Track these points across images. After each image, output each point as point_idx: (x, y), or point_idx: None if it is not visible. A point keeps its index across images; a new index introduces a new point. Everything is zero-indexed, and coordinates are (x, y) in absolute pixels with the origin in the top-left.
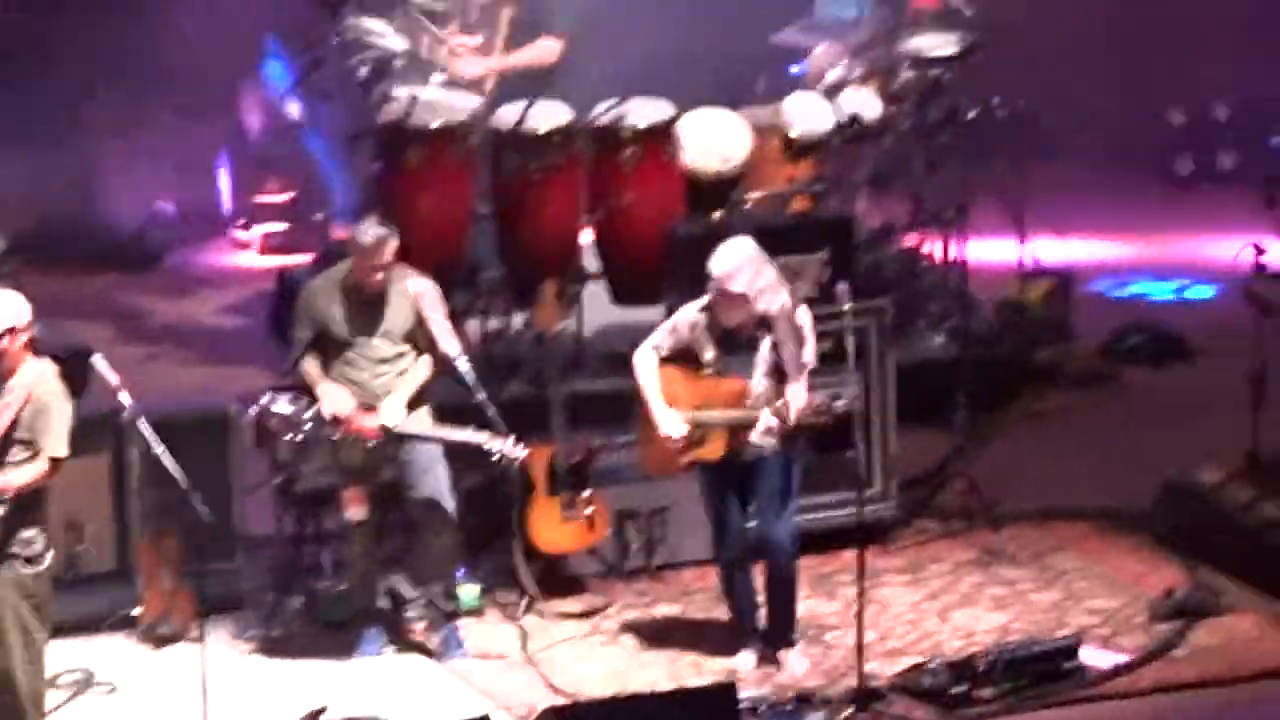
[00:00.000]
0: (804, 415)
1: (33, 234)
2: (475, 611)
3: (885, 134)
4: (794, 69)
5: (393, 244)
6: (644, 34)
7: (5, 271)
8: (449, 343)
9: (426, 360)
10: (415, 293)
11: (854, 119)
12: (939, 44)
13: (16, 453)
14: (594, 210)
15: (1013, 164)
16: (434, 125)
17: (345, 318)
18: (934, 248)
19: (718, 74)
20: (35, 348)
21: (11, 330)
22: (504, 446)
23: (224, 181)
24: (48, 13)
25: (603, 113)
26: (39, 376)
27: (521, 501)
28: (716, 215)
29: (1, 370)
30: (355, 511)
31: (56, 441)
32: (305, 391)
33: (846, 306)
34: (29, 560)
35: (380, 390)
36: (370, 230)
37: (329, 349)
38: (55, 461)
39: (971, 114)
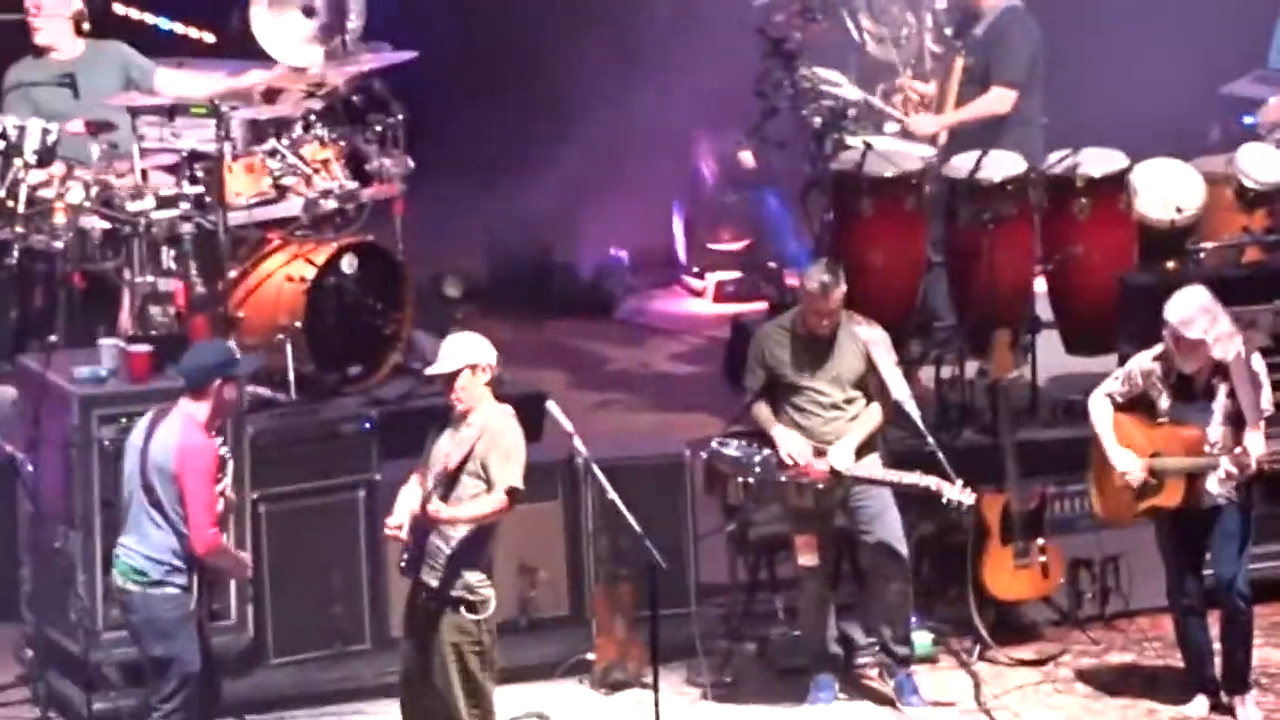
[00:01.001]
0: (1264, 463)
1: (490, 279)
2: (928, 659)
3: None
4: (1247, 119)
5: (839, 290)
6: (1096, 84)
7: (460, 317)
8: (899, 389)
9: (876, 407)
10: (865, 339)
11: None
12: None
13: (469, 486)
14: (1047, 259)
15: None
16: (888, 174)
17: (795, 363)
18: None
19: (1170, 125)
20: (496, 392)
21: (474, 366)
22: (954, 492)
23: (678, 229)
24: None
25: (1056, 163)
26: (496, 415)
27: (976, 549)
28: (1170, 265)
29: (459, 410)
30: (807, 557)
31: (510, 473)
32: (757, 437)
33: None
34: (471, 606)
35: (830, 436)
36: (817, 276)
37: (780, 395)
38: (511, 495)
39: None
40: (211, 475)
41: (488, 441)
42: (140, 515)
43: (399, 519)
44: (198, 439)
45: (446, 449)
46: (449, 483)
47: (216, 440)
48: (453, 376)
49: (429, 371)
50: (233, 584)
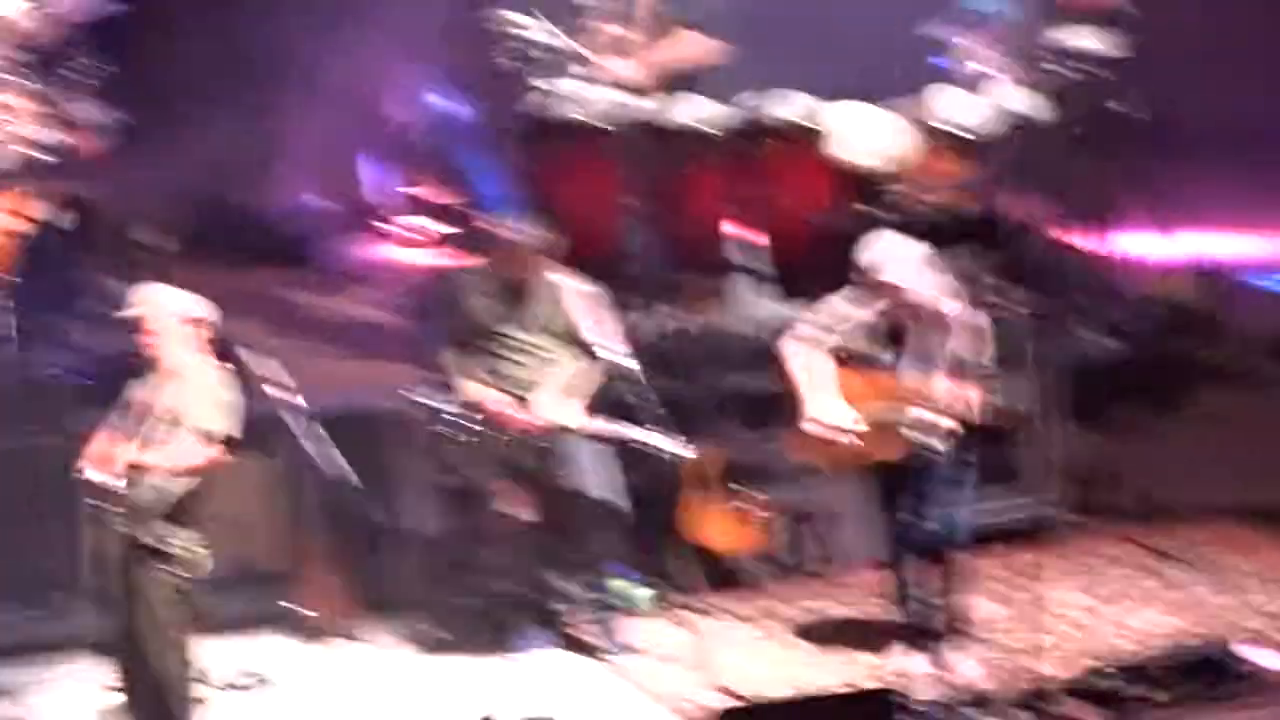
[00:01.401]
0: (973, 413)
1: (185, 228)
2: (645, 612)
3: (1031, 129)
4: (937, 61)
5: (539, 238)
6: (783, 27)
7: (156, 266)
8: (602, 336)
9: (581, 356)
10: (563, 287)
11: (1001, 113)
12: (1085, 38)
13: (167, 435)
14: (743, 204)
15: (1158, 159)
16: (580, 119)
17: (492, 311)
18: (1083, 243)
19: (863, 67)
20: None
21: (171, 313)
22: (667, 443)
23: (372, 175)
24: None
25: (749, 107)
26: (193, 362)
27: (690, 500)
28: (863, 209)
29: (155, 354)
30: (517, 508)
31: (211, 419)
32: (458, 387)
33: (1005, 303)
34: (180, 561)
35: (528, 384)
36: (515, 225)
37: (476, 343)
38: (212, 440)
39: (1118, 108)
40: None
41: (187, 389)
42: None
43: (93, 464)
44: None
45: (143, 397)
46: (148, 432)
47: None
48: (142, 322)
49: (121, 314)
50: None
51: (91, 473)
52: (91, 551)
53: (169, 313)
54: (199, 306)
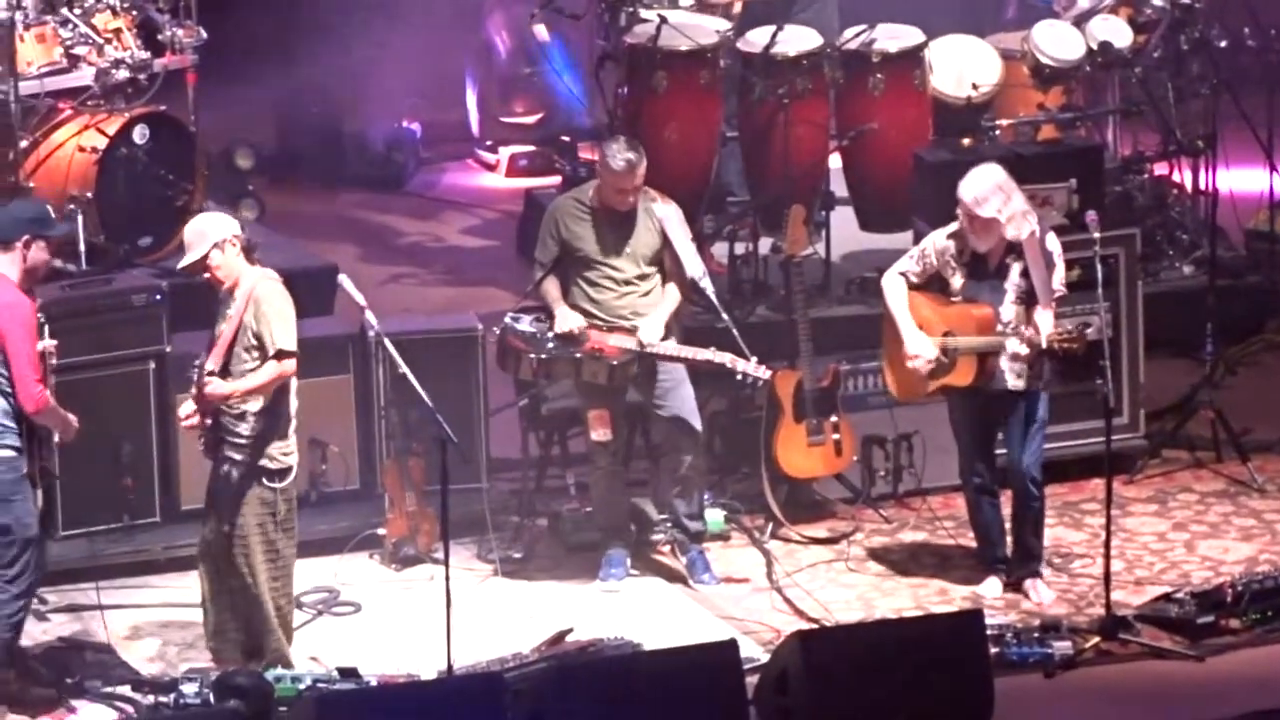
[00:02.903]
0: (1053, 341)
1: (281, 151)
2: (721, 536)
3: (1135, 62)
4: None
5: (642, 167)
6: None
7: (250, 190)
8: (694, 265)
9: (673, 285)
10: (660, 215)
11: (1103, 47)
12: None
13: (247, 360)
14: (842, 135)
15: (1263, 92)
16: (682, 48)
17: (592, 238)
18: (1183, 177)
19: (965, 1)
20: (252, 257)
21: (219, 244)
22: (749, 368)
23: (471, 102)
24: None
25: (851, 38)
26: (259, 283)
27: (768, 426)
28: (965, 142)
29: (225, 289)
30: (600, 433)
31: (280, 337)
32: (549, 313)
33: (1095, 235)
34: (273, 475)
35: (624, 311)
36: (621, 154)
37: (573, 270)
38: (284, 357)
39: (1222, 42)
40: (33, 332)
41: (254, 311)
42: None
43: (189, 408)
44: (13, 296)
45: (220, 328)
46: (225, 359)
47: (35, 302)
48: (202, 262)
49: (180, 266)
50: None
51: (187, 416)
52: (172, 475)
53: (226, 240)
54: (236, 225)
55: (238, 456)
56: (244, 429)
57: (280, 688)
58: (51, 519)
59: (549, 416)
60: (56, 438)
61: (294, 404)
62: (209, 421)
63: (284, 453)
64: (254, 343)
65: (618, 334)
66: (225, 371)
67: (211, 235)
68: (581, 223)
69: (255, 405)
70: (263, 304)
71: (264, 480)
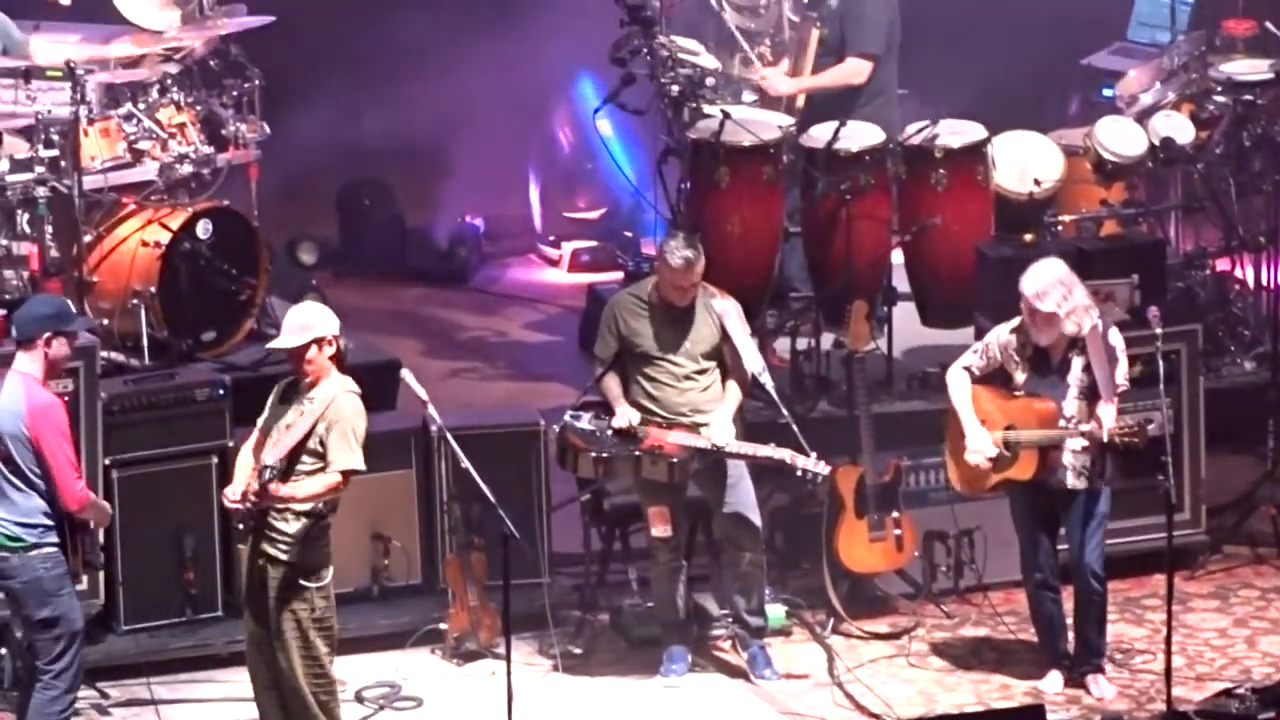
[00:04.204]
0: (1115, 436)
1: (344, 246)
2: (782, 631)
3: (1197, 158)
4: (1106, 92)
5: (700, 264)
6: (952, 57)
7: (314, 284)
8: (754, 360)
9: (734, 382)
10: (720, 311)
11: (1166, 143)
12: (1252, 69)
13: (308, 463)
14: (904, 230)
15: None
16: (745, 143)
17: (650, 334)
18: (1245, 272)
19: (1028, 97)
20: (341, 362)
21: (319, 341)
22: (809, 464)
23: (534, 197)
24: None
25: (914, 133)
26: (340, 391)
27: (830, 521)
28: (1027, 237)
29: (305, 382)
30: (660, 529)
31: (348, 455)
32: (609, 409)
33: (1157, 330)
34: (309, 574)
35: (684, 407)
36: (679, 251)
37: (633, 365)
38: (345, 475)
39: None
40: (66, 430)
41: (329, 420)
42: (2, 484)
43: (237, 489)
44: (44, 397)
45: (289, 421)
46: (289, 457)
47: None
48: (300, 350)
49: (271, 346)
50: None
51: (235, 499)
52: (234, 568)
53: (327, 338)
54: (338, 325)
55: (274, 552)
56: (288, 528)
57: None
58: (114, 613)
59: (610, 511)
60: (96, 528)
61: (332, 513)
62: (254, 509)
63: (318, 552)
64: (319, 449)
65: (677, 431)
66: (285, 470)
67: (316, 329)
68: (640, 318)
69: (304, 506)
70: (339, 417)
71: (300, 580)
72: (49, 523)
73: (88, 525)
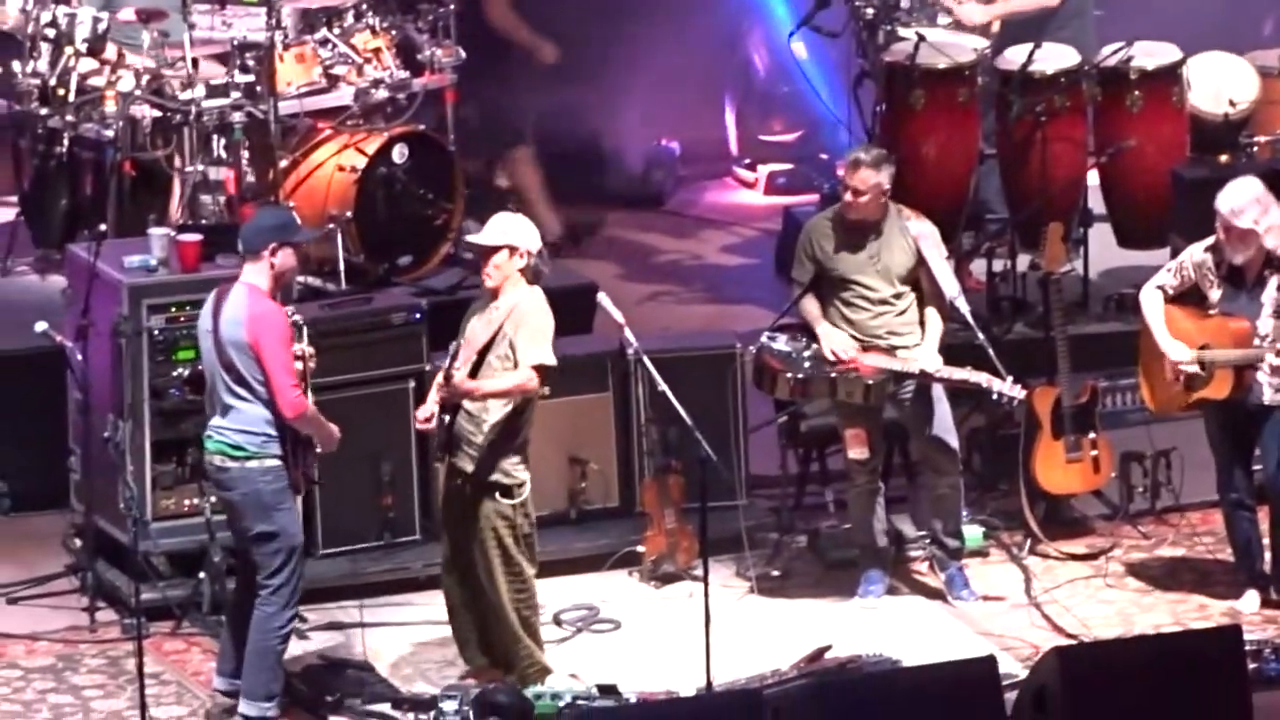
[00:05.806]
0: None
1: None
2: (979, 552)
3: None
4: None
5: (874, 176)
6: None
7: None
8: (949, 284)
9: (934, 309)
10: (915, 233)
11: None
12: None
13: (497, 369)
14: (1100, 152)
15: None
16: (940, 66)
17: (844, 257)
18: None
19: (1223, 18)
20: (531, 278)
21: (513, 249)
22: (1005, 387)
23: (730, 121)
24: None
25: (1110, 55)
26: (525, 295)
27: (1027, 443)
28: (1223, 159)
29: (491, 285)
30: (857, 451)
31: (537, 351)
32: (806, 331)
33: None
34: (507, 490)
35: (879, 330)
36: (851, 152)
37: (828, 289)
38: (538, 372)
39: None
40: (287, 339)
41: (515, 321)
42: (225, 394)
43: (429, 409)
44: (266, 306)
45: (476, 329)
46: (477, 362)
47: (286, 309)
48: (490, 251)
49: (468, 239)
50: None
51: (425, 418)
52: (431, 493)
53: (520, 249)
54: (538, 243)
55: (469, 468)
56: (479, 436)
57: (540, 705)
58: (312, 537)
59: (807, 433)
60: (319, 448)
61: (529, 425)
62: (446, 419)
63: (516, 467)
64: (508, 352)
65: (873, 353)
66: (474, 377)
67: (512, 237)
68: (832, 241)
69: (495, 414)
70: (525, 316)
71: (498, 495)
72: (271, 433)
73: (311, 442)
